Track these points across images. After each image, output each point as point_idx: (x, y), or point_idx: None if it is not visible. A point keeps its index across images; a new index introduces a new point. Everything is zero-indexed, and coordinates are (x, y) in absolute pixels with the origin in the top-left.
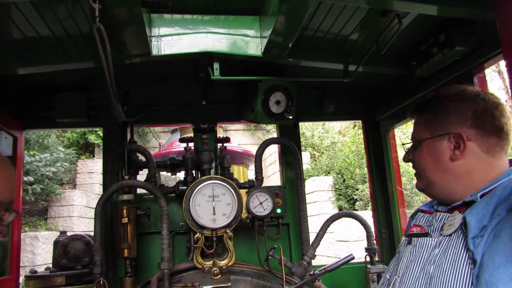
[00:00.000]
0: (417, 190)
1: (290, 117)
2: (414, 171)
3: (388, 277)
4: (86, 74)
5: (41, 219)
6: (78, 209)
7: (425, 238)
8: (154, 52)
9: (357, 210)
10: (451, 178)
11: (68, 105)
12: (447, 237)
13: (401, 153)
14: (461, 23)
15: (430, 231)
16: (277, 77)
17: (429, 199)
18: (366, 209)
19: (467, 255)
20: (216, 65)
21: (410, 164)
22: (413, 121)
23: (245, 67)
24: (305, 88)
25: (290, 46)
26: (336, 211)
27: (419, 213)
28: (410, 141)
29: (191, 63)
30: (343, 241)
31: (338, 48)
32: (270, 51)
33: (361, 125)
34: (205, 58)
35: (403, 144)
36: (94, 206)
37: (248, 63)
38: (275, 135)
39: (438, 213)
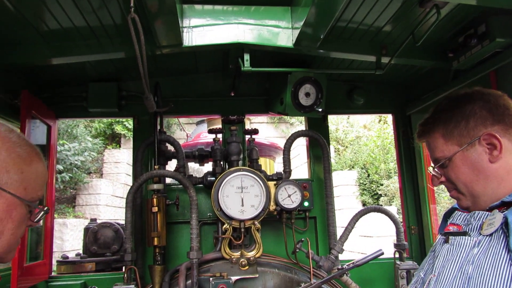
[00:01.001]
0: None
1: (320, 109)
2: (449, 191)
3: (422, 275)
4: (118, 65)
5: (69, 207)
6: (105, 198)
7: (463, 237)
8: (186, 43)
9: (381, 205)
10: (494, 183)
11: (100, 95)
12: (487, 237)
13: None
14: (502, 13)
15: (468, 230)
16: (307, 69)
17: None
18: (391, 204)
19: (508, 256)
20: (246, 56)
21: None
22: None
23: (274, 58)
24: (335, 81)
25: (322, 37)
26: (359, 206)
27: (455, 211)
28: (435, 163)
29: (221, 54)
30: (367, 237)
31: (371, 39)
32: (301, 43)
33: (387, 119)
34: (236, 49)
35: (432, 168)
36: (120, 195)
37: (278, 54)
38: (298, 128)
39: (477, 211)
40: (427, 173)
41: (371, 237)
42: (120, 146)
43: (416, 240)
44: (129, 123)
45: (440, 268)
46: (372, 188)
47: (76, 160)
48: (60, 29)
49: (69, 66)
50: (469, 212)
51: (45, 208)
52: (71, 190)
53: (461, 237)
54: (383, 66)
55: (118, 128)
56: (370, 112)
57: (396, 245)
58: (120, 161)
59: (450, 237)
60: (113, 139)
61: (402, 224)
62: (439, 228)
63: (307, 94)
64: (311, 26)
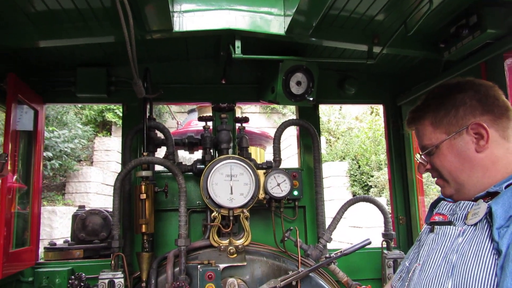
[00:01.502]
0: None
1: (311, 98)
2: (434, 179)
3: (407, 264)
4: (107, 49)
5: (59, 194)
6: (95, 186)
7: (448, 226)
8: (176, 28)
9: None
10: (479, 172)
11: (88, 80)
12: (472, 227)
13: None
14: (494, 4)
15: (454, 219)
16: (299, 57)
17: None
18: (381, 196)
19: (491, 246)
20: (237, 43)
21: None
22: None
23: (266, 46)
24: (326, 70)
25: (314, 25)
26: (350, 197)
27: (441, 201)
28: (423, 151)
29: (212, 41)
30: (356, 227)
31: (363, 28)
32: (293, 30)
33: (379, 111)
34: (227, 35)
35: (420, 156)
36: (110, 184)
37: (270, 42)
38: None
39: (462, 201)
40: (416, 165)
41: (360, 228)
42: (111, 134)
43: (403, 230)
44: (120, 111)
45: (425, 257)
46: (362, 179)
47: (66, 147)
48: (47, 11)
49: (57, 49)
50: (453, 201)
51: (3, 155)
52: (61, 178)
53: (446, 226)
54: (374, 55)
55: (109, 116)
56: (361, 102)
57: (383, 235)
58: (110, 149)
59: (436, 226)
60: (104, 127)
61: (390, 214)
62: (425, 218)
63: (299, 83)
64: (303, 13)
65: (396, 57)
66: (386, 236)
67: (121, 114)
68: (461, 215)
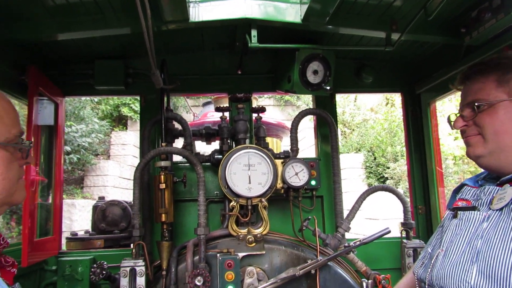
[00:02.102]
0: (451, 171)
1: (328, 87)
2: (467, 136)
3: (430, 250)
4: (123, 41)
5: (77, 188)
6: (112, 179)
7: (472, 212)
8: (192, 18)
9: None
10: None
11: (106, 73)
12: (497, 212)
13: (442, 125)
14: None
15: (478, 205)
16: (316, 45)
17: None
18: (397, 187)
19: None
20: (254, 32)
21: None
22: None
23: (282, 35)
24: (343, 59)
25: (331, 12)
26: (365, 188)
27: (464, 187)
28: (470, 105)
29: (228, 31)
30: (372, 219)
31: (381, 14)
32: (309, 18)
33: (394, 102)
34: (243, 25)
35: (462, 109)
36: (127, 177)
37: (286, 30)
38: None
39: (487, 186)
40: (435, 155)
41: (376, 220)
42: (126, 128)
43: (423, 220)
44: (135, 105)
45: (448, 243)
46: (378, 171)
47: (83, 142)
48: (66, 4)
49: (75, 42)
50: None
51: (28, 143)
52: (79, 172)
53: (470, 212)
54: (393, 42)
55: (125, 111)
56: (379, 91)
57: (403, 224)
58: (126, 143)
59: (459, 212)
60: (120, 121)
61: (409, 203)
62: (447, 203)
63: (315, 72)
64: (319, 1)
65: (414, 44)
66: (405, 225)
67: (136, 109)
68: (485, 200)
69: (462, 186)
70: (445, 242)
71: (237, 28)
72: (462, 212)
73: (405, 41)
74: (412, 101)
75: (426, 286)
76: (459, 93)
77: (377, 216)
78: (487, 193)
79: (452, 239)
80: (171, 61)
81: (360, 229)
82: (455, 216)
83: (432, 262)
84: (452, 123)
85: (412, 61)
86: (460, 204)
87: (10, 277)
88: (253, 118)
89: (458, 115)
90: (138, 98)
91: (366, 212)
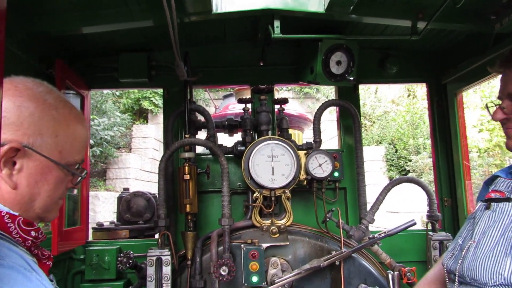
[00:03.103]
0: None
1: (351, 78)
2: (508, 128)
3: (460, 242)
4: (147, 34)
5: (100, 180)
6: (134, 172)
7: (507, 203)
8: (215, 10)
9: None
10: None
11: (130, 66)
12: None
13: (469, 116)
14: None
15: None
16: (340, 35)
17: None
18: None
19: None
20: (276, 23)
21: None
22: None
23: (305, 25)
24: (367, 49)
25: (355, 1)
26: (386, 181)
27: (498, 178)
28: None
29: (250, 22)
30: (393, 213)
31: (407, 2)
32: (333, 8)
33: (416, 94)
34: (266, 16)
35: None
36: (148, 170)
37: (309, 21)
38: None
39: None
40: (462, 148)
41: (398, 213)
42: (147, 122)
43: (449, 212)
44: (156, 99)
45: (480, 235)
46: (399, 164)
47: (106, 135)
48: None
49: (99, 35)
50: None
51: (83, 173)
52: (102, 164)
53: (505, 203)
54: (419, 31)
55: (145, 104)
56: (403, 82)
57: (428, 216)
58: (147, 136)
59: (492, 203)
60: (141, 115)
61: (435, 196)
62: (478, 195)
63: (338, 62)
64: None
65: (441, 32)
66: (431, 217)
67: (156, 102)
68: None
69: (494, 177)
70: (477, 234)
71: (259, 19)
72: (495, 203)
73: (431, 29)
74: (438, 91)
75: (457, 277)
76: (485, 84)
77: (398, 210)
78: None
79: (485, 230)
80: (193, 53)
81: (381, 222)
82: (488, 208)
83: (463, 253)
84: (492, 114)
85: (438, 50)
86: (494, 195)
87: (45, 269)
88: (275, 109)
89: (496, 104)
90: (159, 91)
91: (387, 205)
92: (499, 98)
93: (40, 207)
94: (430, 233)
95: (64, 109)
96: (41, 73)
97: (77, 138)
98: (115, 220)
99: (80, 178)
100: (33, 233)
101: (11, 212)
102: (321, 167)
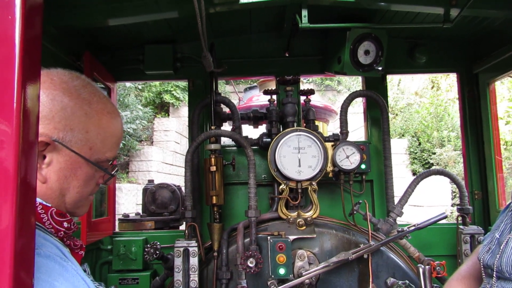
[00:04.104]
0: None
1: (379, 68)
2: None
3: (497, 236)
4: (172, 25)
5: (123, 173)
6: (156, 165)
7: None
8: None
9: None
10: None
11: (156, 58)
12: None
13: (500, 105)
14: None
15: None
16: (369, 24)
17: None
18: None
19: None
20: (304, 12)
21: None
22: None
23: (332, 14)
24: (395, 38)
25: None
26: (409, 175)
27: None
28: None
29: (276, 12)
30: (417, 206)
31: None
32: None
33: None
34: (293, 5)
35: None
36: (170, 162)
37: (336, 9)
38: (346, 96)
39: None
40: (494, 140)
41: (421, 207)
42: (168, 115)
43: (479, 205)
44: (177, 92)
45: None
46: (423, 157)
47: (128, 128)
48: None
49: (126, 27)
50: None
51: (113, 172)
52: (124, 157)
53: None
54: (451, 18)
55: (167, 97)
56: (433, 71)
57: (459, 209)
58: (169, 129)
59: None
60: (162, 108)
61: (465, 188)
62: None
63: (367, 52)
64: None
65: (474, 20)
66: (462, 210)
67: (178, 96)
68: None
69: None
70: None
71: (286, 8)
72: None
73: (464, 17)
74: (469, 81)
75: (495, 273)
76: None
77: (422, 203)
78: None
79: None
80: (218, 44)
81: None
82: None
83: (502, 248)
84: None
85: (470, 38)
86: None
87: (78, 259)
88: (301, 101)
89: None
90: (180, 84)
91: (410, 199)
92: None
93: (70, 202)
94: (461, 226)
95: (98, 104)
96: (69, 66)
97: (109, 134)
98: (138, 211)
99: (110, 176)
100: (65, 224)
101: (44, 203)
102: (348, 159)
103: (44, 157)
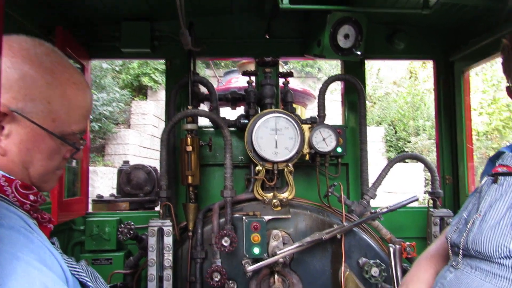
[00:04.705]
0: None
1: (358, 52)
2: None
3: (465, 216)
4: (150, 1)
5: (99, 156)
6: (133, 148)
7: None
8: None
9: (407, 162)
10: None
11: (133, 35)
12: None
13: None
14: None
15: None
16: (350, 7)
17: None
18: (418, 161)
19: None
20: None
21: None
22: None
23: None
24: (375, 24)
25: None
26: (385, 162)
27: (505, 153)
28: None
29: None
30: (391, 193)
31: None
32: None
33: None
34: None
35: None
36: (147, 146)
37: None
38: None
39: None
40: (466, 129)
41: (395, 193)
42: (146, 98)
43: (450, 190)
44: (156, 75)
45: (486, 208)
46: (398, 145)
47: (104, 110)
48: None
49: (101, 2)
50: None
51: (81, 145)
52: (100, 140)
53: None
54: (430, 4)
55: (145, 80)
56: (411, 58)
57: (430, 193)
58: (147, 113)
59: (500, 177)
60: (140, 91)
61: (437, 173)
62: (483, 171)
63: (346, 36)
64: None
65: (453, 7)
66: (433, 194)
67: (156, 79)
68: None
69: (500, 154)
70: (483, 207)
71: None
72: (503, 177)
73: (443, 4)
74: (445, 69)
75: (461, 250)
76: (487, 67)
77: (396, 190)
78: None
79: (491, 203)
80: (198, 24)
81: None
82: (495, 182)
83: (468, 227)
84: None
85: (447, 26)
86: (501, 170)
87: (47, 232)
88: (280, 84)
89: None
90: (159, 67)
91: (385, 186)
92: None
93: (34, 176)
94: (431, 209)
95: (62, 73)
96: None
97: (75, 106)
98: (113, 193)
99: (76, 150)
100: (31, 197)
101: (8, 175)
102: (325, 141)
103: (3, 128)
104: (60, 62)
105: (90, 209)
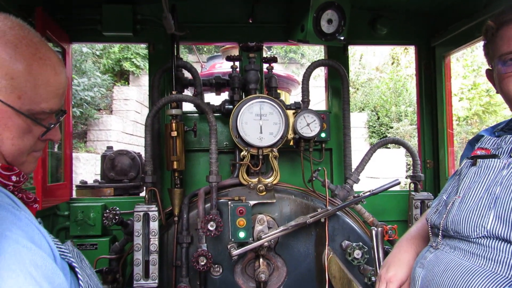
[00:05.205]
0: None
1: (342, 38)
2: None
3: (445, 198)
4: None
5: (81, 142)
6: (115, 134)
7: (492, 159)
8: None
9: (389, 148)
10: None
11: (114, 18)
12: None
13: (455, 82)
14: None
15: (498, 153)
16: None
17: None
18: (399, 147)
19: None
20: None
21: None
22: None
23: None
24: (358, 9)
25: None
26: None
27: (484, 136)
28: None
29: None
30: (373, 178)
31: None
32: None
33: (400, 61)
34: None
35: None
36: (130, 132)
37: None
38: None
39: (508, 135)
40: (447, 114)
41: (377, 179)
42: (128, 83)
43: (430, 174)
44: (137, 60)
45: (465, 190)
46: (381, 130)
47: (86, 96)
48: None
49: None
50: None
51: (52, 125)
52: (82, 126)
53: (490, 159)
54: None
55: (127, 65)
56: (393, 43)
57: (412, 177)
58: (129, 98)
59: (478, 160)
60: (122, 76)
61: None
62: (463, 154)
63: (330, 21)
64: None
65: None
66: (414, 178)
67: (138, 64)
68: (507, 149)
69: (479, 137)
70: (462, 189)
71: None
72: (481, 160)
73: None
74: (426, 54)
75: (440, 231)
76: (468, 53)
77: (378, 175)
78: (508, 142)
79: (470, 185)
80: (181, 7)
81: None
82: (474, 164)
83: (448, 208)
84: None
85: (429, 12)
86: (479, 152)
87: (33, 212)
88: (264, 69)
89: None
90: (141, 52)
91: (367, 171)
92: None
93: (7, 155)
94: (412, 193)
95: (28, 47)
96: None
97: (42, 83)
98: (97, 179)
99: (46, 130)
100: (14, 178)
101: None
102: (309, 126)
103: None
104: (26, 37)
105: (74, 195)
